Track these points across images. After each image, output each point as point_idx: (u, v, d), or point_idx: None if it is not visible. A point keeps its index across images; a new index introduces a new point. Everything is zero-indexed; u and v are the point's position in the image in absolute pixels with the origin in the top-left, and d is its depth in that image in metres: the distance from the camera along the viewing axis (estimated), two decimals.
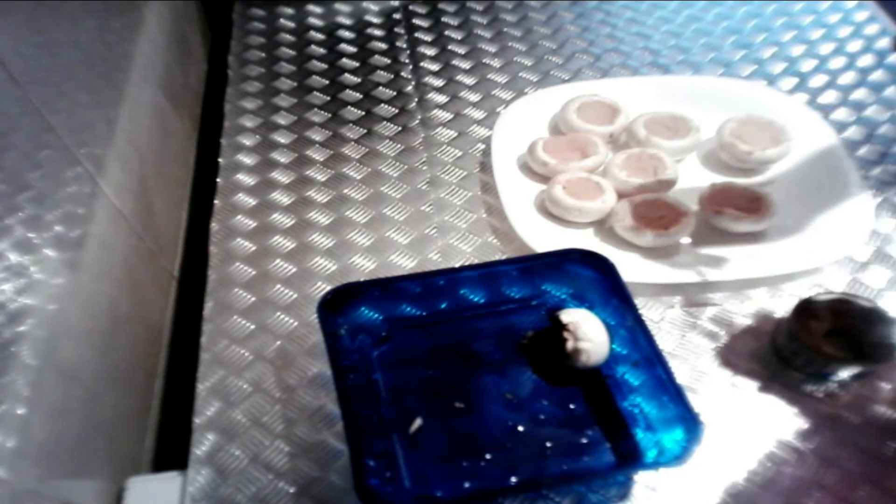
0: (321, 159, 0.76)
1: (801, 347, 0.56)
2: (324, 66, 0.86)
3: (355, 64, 0.86)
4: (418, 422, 0.54)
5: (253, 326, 0.62)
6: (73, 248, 0.52)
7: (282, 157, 0.76)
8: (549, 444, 0.53)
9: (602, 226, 0.67)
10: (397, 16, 0.93)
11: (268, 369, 0.59)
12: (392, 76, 0.85)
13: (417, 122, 0.80)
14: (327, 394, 0.58)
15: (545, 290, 0.61)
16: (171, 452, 0.64)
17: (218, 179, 0.74)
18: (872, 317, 0.57)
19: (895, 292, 0.63)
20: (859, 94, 0.81)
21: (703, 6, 0.93)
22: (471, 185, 0.73)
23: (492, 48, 0.88)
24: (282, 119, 0.80)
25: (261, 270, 0.66)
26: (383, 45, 0.89)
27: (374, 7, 0.94)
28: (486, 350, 0.59)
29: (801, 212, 0.67)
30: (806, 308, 0.58)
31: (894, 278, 0.64)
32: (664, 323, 0.62)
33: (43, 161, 0.50)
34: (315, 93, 0.83)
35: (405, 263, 0.66)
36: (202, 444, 0.55)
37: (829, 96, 0.81)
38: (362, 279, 0.62)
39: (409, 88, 0.83)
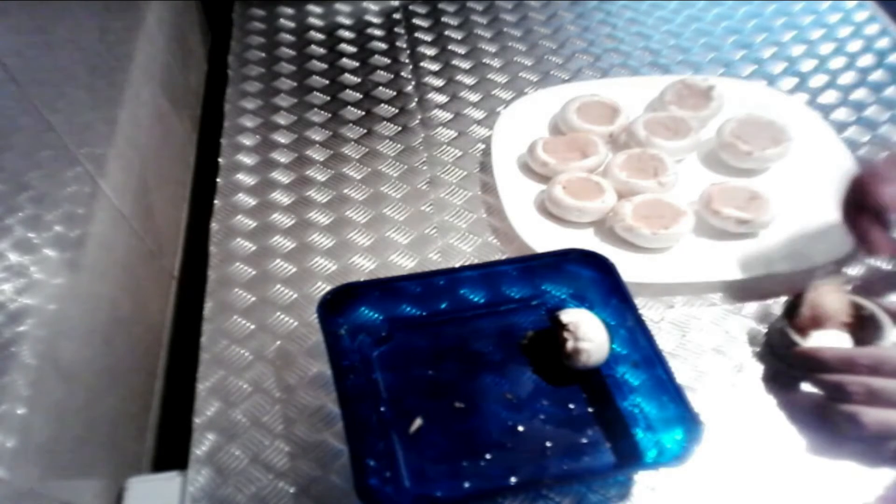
0: (321, 159, 0.76)
1: (792, 345, 0.56)
2: (324, 66, 0.86)
3: (355, 64, 0.86)
4: (418, 422, 0.54)
5: (253, 326, 0.62)
6: (73, 248, 0.52)
7: (282, 157, 0.76)
8: (549, 444, 0.53)
9: (602, 226, 0.67)
10: (397, 16, 0.93)
11: (268, 369, 0.59)
12: (392, 76, 0.85)
13: (417, 122, 0.80)
14: (327, 394, 0.57)
15: (545, 290, 0.61)
16: (171, 452, 0.64)
17: (218, 179, 0.74)
18: (861, 311, 0.57)
19: (895, 292, 0.63)
20: (859, 94, 0.81)
21: (703, 6, 0.93)
22: (471, 185, 0.73)
23: (492, 48, 0.88)
24: (282, 119, 0.80)
25: (261, 270, 0.66)
26: (383, 45, 0.89)
27: (374, 7, 0.94)
28: (486, 350, 0.59)
29: (800, 212, 0.67)
30: (794, 306, 0.58)
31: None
32: (664, 323, 0.62)
33: (43, 161, 0.50)
34: (315, 93, 0.83)
35: (405, 263, 0.66)
36: (202, 444, 0.55)
37: (829, 96, 0.81)
38: (362, 279, 0.62)
39: (409, 88, 0.83)
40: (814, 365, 0.53)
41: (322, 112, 0.81)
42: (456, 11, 0.93)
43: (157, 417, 0.64)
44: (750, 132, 0.71)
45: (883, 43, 0.87)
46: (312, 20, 0.93)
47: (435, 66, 0.86)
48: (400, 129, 0.79)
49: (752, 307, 0.63)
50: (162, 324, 0.69)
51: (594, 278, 0.59)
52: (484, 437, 0.54)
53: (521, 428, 0.54)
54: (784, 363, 0.58)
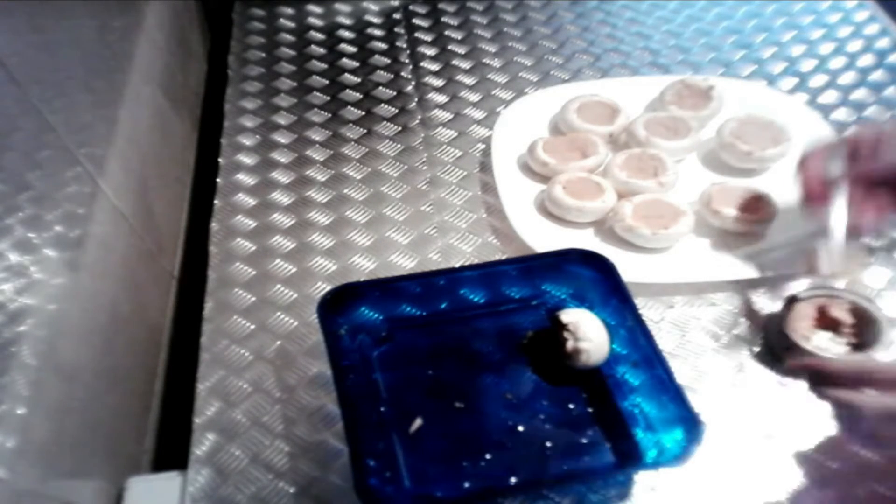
0: (321, 159, 0.76)
1: (791, 345, 0.56)
2: (324, 66, 0.86)
3: (355, 64, 0.86)
4: (418, 422, 0.54)
5: (253, 326, 0.62)
6: (73, 248, 0.52)
7: (282, 157, 0.76)
8: (549, 444, 0.53)
9: (602, 226, 0.67)
10: (397, 16, 0.93)
11: (268, 369, 0.59)
12: (392, 76, 0.85)
13: (417, 122, 0.80)
14: (327, 394, 0.57)
15: (545, 290, 0.61)
16: (171, 452, 0.64)
17: (218, 179, 0.74)
18: (858, 311, 0.57)
19: (895, 292, 0.63)
20: (859, 94, 0.81)
21: (703, 6, 0.93)
22: (471, 185, 0.73)
23: (492, 48, 0.88)
24: (282, 119, 0.80)
25: (261, 270, 0.66)
26: (383, 45, 0.89)
27: (374, 7, 0.94)
28: (486, 350, 0.59)
29: (800, 212, 0.67)
30: (791, 305, 0.58)
31: (894, 278, 0.64)
32: (664, 323, 0.62)
33: (43, 161, 0.50)
34: (315, 93, 0.83)
35: (405, 263, 0.66)
36: (202, 444, 0.55)
37: (829, 96, 0.81)
38: (362, 279, 0.62)
39: (409, 88, 0.83)
40: (826, 380, 0.51)
41: (322, 112, 0.81)
42: (456, 11, 0.93)
43: (157, 417, 0.64)
44: (750, 132, 0.71)
45: (883, 43, 0.87)
46: (312, 20, 0.93)
47: (435, 66, 0.86)
48: (400, 129, 0.79)
49: (752, 307, 0.63)
50: (162, 324, 0.69)
51: (594, 278, 0.59)
52: (484, 437, 0.54)
53: (521, 428, 0.54)
54: (783, 363, 0.58)
